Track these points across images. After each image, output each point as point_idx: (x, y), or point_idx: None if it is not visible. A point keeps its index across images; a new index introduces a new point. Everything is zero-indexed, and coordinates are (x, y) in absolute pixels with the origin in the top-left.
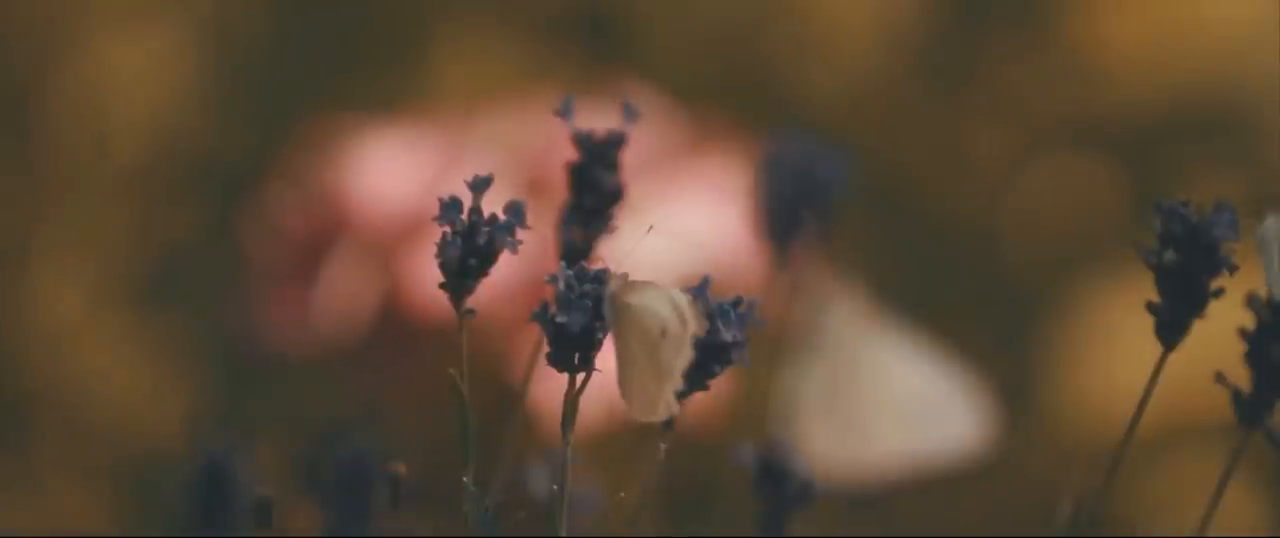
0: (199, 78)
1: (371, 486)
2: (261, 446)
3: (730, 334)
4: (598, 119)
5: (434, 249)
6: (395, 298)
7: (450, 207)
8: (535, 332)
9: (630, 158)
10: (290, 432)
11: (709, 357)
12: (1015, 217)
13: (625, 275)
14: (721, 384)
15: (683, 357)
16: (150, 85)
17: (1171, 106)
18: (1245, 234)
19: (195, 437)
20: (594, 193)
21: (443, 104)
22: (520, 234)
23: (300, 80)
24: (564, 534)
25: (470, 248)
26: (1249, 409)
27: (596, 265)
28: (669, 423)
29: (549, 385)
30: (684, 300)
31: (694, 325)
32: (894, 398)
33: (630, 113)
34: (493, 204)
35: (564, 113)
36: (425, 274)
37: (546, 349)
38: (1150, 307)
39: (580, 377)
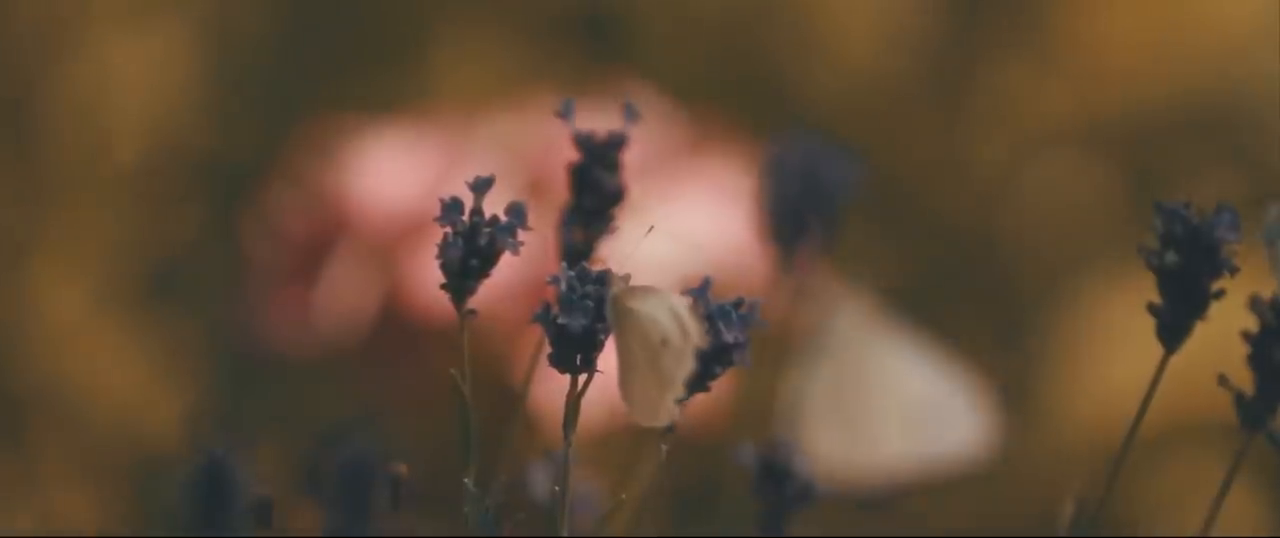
0: (199, 78)
1: (372, 486)
2: (261, 446)
3: (732, 335)
4: (598, 120)
5: (435, 250)
6: (396, 299)
7: (451, 207)
8: (537, 333)
9: (631, 159)
10: (290, 432)
11: (710, 358)
12: (1015, 217)
13: (628, 278)
14: (722, 385)
15: (684, 367)
16: (150, 85)
17: (1171, 107)
18: (1246, 235)
19: (195, 437)
20: (595, 194)
21: (443, 105)
22: (521, 235)
23: (300, 81)
24: (565, 535)
25: (471, 249)
26: (1252, 412)
27: (598, 267)
28: (670, 425)
29: (550, 386)
30: (686, 311)
31: (696, 337)
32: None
33: (631, 114)
34: (494, 205)
35: (564, 114)
36: (426, 275)
37: (548, 350)
38: (1151, 309)
39: (582, 378)
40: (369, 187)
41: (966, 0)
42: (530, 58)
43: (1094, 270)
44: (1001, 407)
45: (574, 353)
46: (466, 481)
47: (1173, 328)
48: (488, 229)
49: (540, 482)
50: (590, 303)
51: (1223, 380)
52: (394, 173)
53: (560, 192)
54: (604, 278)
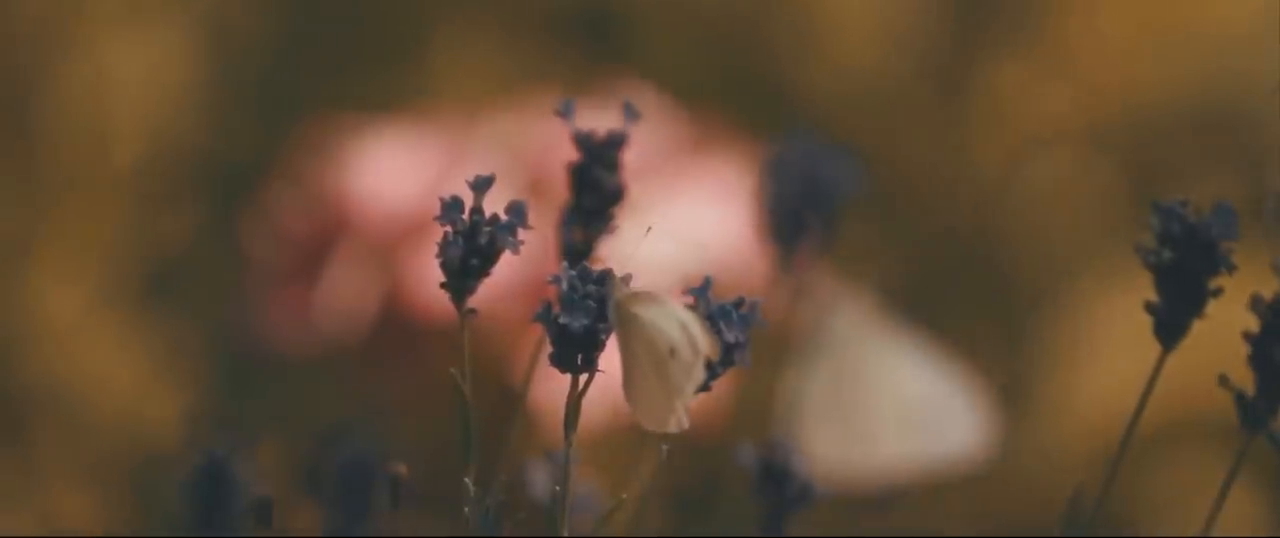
0: (199, 78)
1: (372, 486)
2: (261, 446)
3: (732, 335)
4: (598, 119)
5: (435, 249)
6: (396, 298)
7: (451, 206)
8: (537, 332)
9: (631, 158)
10: (290, 432)
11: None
12: (1015, 217)
13: (629, 278)
14: (723, 385)
15: (694, 379)
16: (150, 85)
17: (1171, 107)
18: (1246, 235)
19: (195, 437)
20: (595, 193)
21: (443, 105)
22: (522, 234)
23: (300, 80)
24: (565, 535)
25: (472, 248)
26: (1252, 412)
27: (598, 266)
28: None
29: (551, 386)
30: (694, 321)
31: (706, 349)
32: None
33: (631, 113)
34: (494, 204)
35: (564, 113)
36: (426, 274)
37: (549, 350)
38: (1149, 307)
39: (583, 378)
40: (369, 186)
41: (966, 0)
42: (530, 58)
43: (1094, 270)
44: (1001, 407)
45: (575, 353)
46: (466, 480)
47: (1170, 326)
48: (488, 228)
49: (540, 482)
50: (591, 302)
51: (1223, 381)
52: (394, 172)
53: (560, 191)
54: (605, 278)
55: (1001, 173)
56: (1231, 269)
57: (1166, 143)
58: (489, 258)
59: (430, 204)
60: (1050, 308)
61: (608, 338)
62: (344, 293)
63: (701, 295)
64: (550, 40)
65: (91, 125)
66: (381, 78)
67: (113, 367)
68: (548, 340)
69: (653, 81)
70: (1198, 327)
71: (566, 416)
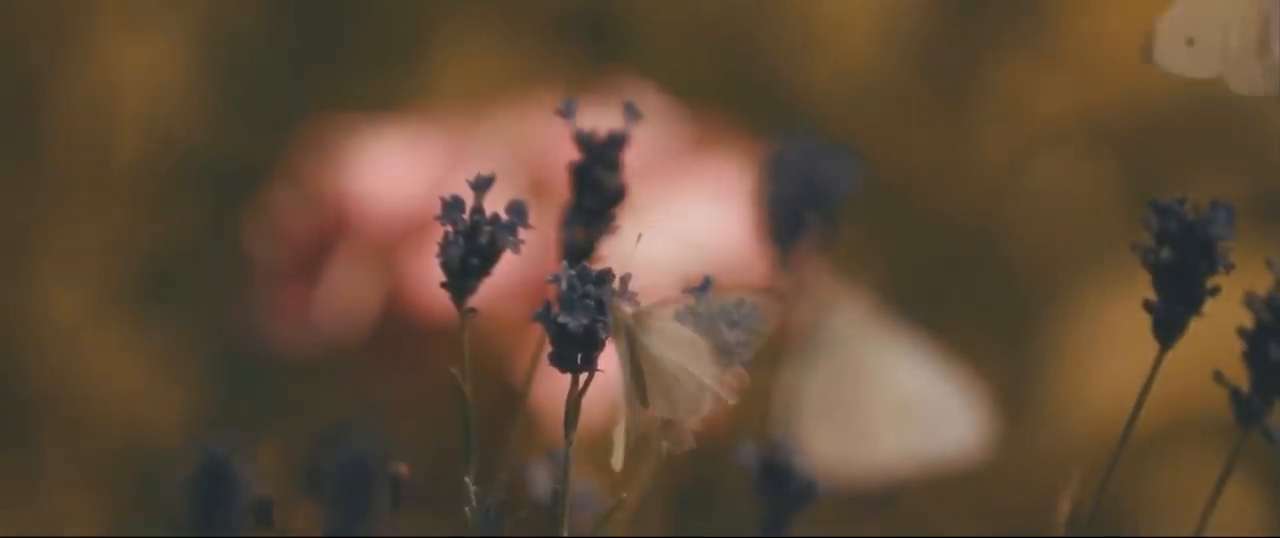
0: (199, 78)
1: (372, 486)
2: (261, 446)
3: (732, 335)
4: (599, 119)
5: (436, 249)
6: (397, 298)
7: (452, 206)
8: (538, 332)
9: (631, 158)
10: (290, 432)
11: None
12: (1015, 217)
13: (629, 278)
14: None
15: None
16: (150, 85)
17: (1171, 106)
18: (1243, 233)
19: (195, 437)
20: (596, 193)
21: (443, 104)
22: (523, 234)
23: (300, 80)
24: (565, 535)
25: (472, 247)
26: (1248, 409)
27: (599, 266)
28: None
29: (551, 385)
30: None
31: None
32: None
33: (632, 113)
34: (494, 204)
35: (566, 113)
36: (427, 274)
37: (549, 349)
38: (1147, 305)
39: (582, 377)
40: (369, 186)
41: (967, 0)
42: (530, 57)
43: (1094, 270)
44: (1001, 406)
45: (574, 352)
46: (467, 480)
47: (1168, 324)
48: (488, 228)
49: (540, 481)
50: (591, 302)
51: (1219, 377)
52: (394, 172)
53: (561, 190)
54: (605, 277)
55: (1003, 172)
56: (1229, 268)
57: (1167, 142)
58: (490, 258)
59: (431, 204)
60: (1050, 308)
61: (607, 337)
62: (344, 293)
63: (701, 295)
64: (551, 40)
65: (92, 125)
66: (381, 78)
67: (113, 367)
68: (548, 340)
69: (653, 81)
70: (1200, 326)
71: (566, 415)
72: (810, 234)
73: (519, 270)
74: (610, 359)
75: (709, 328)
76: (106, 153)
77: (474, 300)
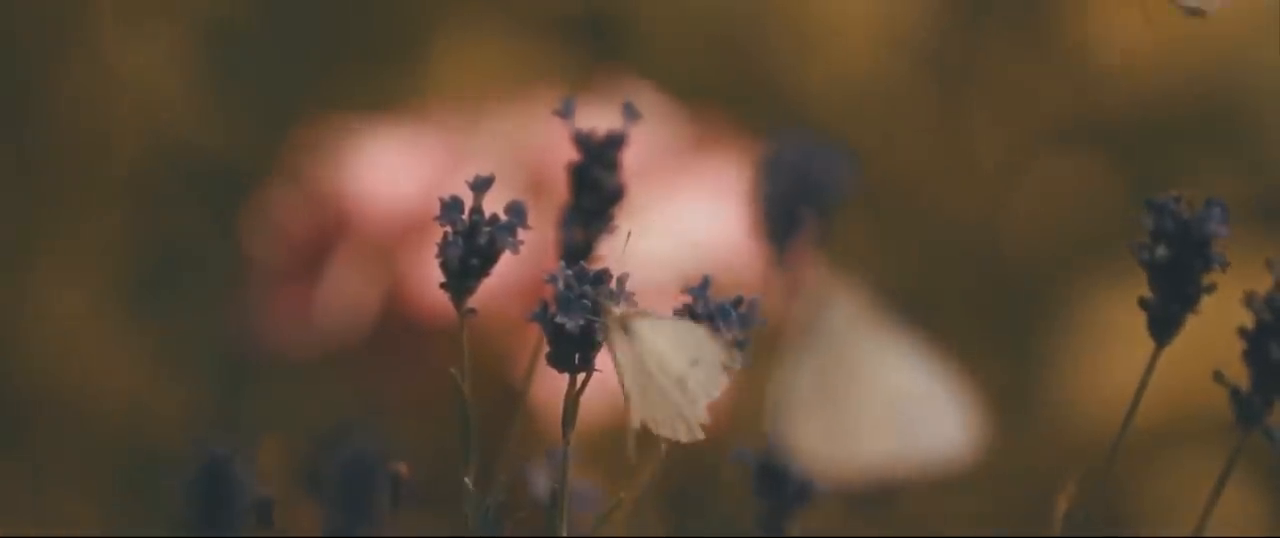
0: (199, 78)
1: (373, 486)
2: (261, 446)
3: (731, 334)
4: (598, 119)
5: (435, 249)
6: (396, 298)
7: (451, 207)
8: (537, 332)
9: (630, 158)
10: (290, 432)
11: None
12: (1015, 217)
13: (625, 278)
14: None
15: (715, 390)
16: (150, 85)
17: (1172, 105)
18: (1243, 233)
19: (195, 437)
20: (594, 193)
21: (443, 104)
22: (522, 234)
23: (300, 80)
24: (565, 534)
25: (471, 248)
26: (1248, 408)
27: (597, 265)
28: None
29: (551, 385)
30: (704, 337)
31: (723, 357)
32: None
33: (631, 113)
34: (493, 204)
35: (564, 113)
36: (427, 274)
37: (547, 349)
38: (1142, 303)
39: (580, 376)
40: (369, 186)
41: (967, 0)
42: (530, 57)
43: (1094, 270)
44: (1000, 406)
45: (572, 352)
46: (466, 479)
47: (1163, 322)
48: (487, 228)
49: (540, 480)
50: (588, 302)
51: (1219, 377)
52: (394, 172)
53: (560, 190)
54: (602, 277)
55: (1001, 172)
56: (1224, 266)
57: (1167, 142)
58: (489, 258)
59: (430, 204)
60: (1050, 307)
61: (605, 337)
62: (344, 293)
63: (700, 294)
64: (550, 40)
65: (91, 125)
66: (381, 78)
67: (113, 367)
68: (546, 340)
69: (653, 81)
70: (1200, 325)
71: (564, 414)
72: (806, 233)
73: (520, 270)
74: (608, 359)
75: (706, 326)
76: (106, 153)
77: (473, 301)
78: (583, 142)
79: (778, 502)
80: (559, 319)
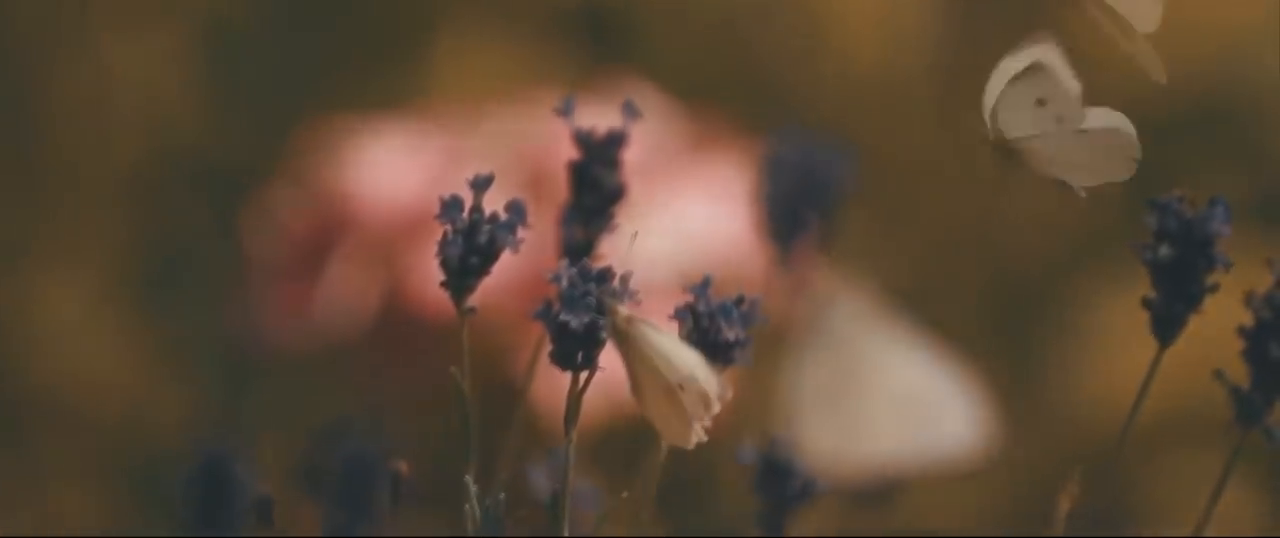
0: (199, 78)
1: (373, 485)
2: (261, 445)
3: (732, 333)
4: (598, 118)
5: (435, 248)
6: (397, 297)
7: (451, 205)
8: (539, 330)
9: (631, 157)
10: (290, 431)
11: (711, 357)
12: (1015, 217)
13: (628, 277)
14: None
15: (709, 410)
16: (150, 85)
17: (1171, 106)
18: (1244, 233)
19: (195, 437)
20: (595, 192)
21: (443, 104)
22: (522, 233)
23: (300, 80)
24: (566, 533)
25: (471, 247)
26: (1248, 407)
27: (599, 264)
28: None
29: (552, 383)
30: (700, 366)
31: (714, 396)
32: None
33: (631, 112)
34: (494, 203)
35: (564, 112)
36: (427, 273)
37: (549, 347)
38: (1145, 303)
39: (583, 375)
40: (369, 185)
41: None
42: (530, 57)
43: (1094, 269)
44: (1000, 405)
45: (575, 350)
46: (467, 478)
47: (1166, 322)
48: (488, 227)
49: (541, 479)
50: (591, 300)
51: (1219, 376)
52: (394, 171)
53: (560, 189)
54: (605, 275)
55: (1002, 171)
56: (1228, 266)
57: (1167, 142)
58: (489, 257)
59: (430, 203)
60: (1050, 307)
61: (608, 336)
62: (344, 292)
63: (701, 294)
64: (550, 40)
65: (91, 125)
66: (382, 77)
67: (113, 367)
68: (548, 338)
69: (653, 81)
70: (1200, 325)
71: (567, 413)
72: (809, 232)
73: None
74: (611, 358)
75: (708, 326)
76: (106, 153)
77: (474, 299)
78: (583, 140)
79: (779, 501)
80: (563, 317)
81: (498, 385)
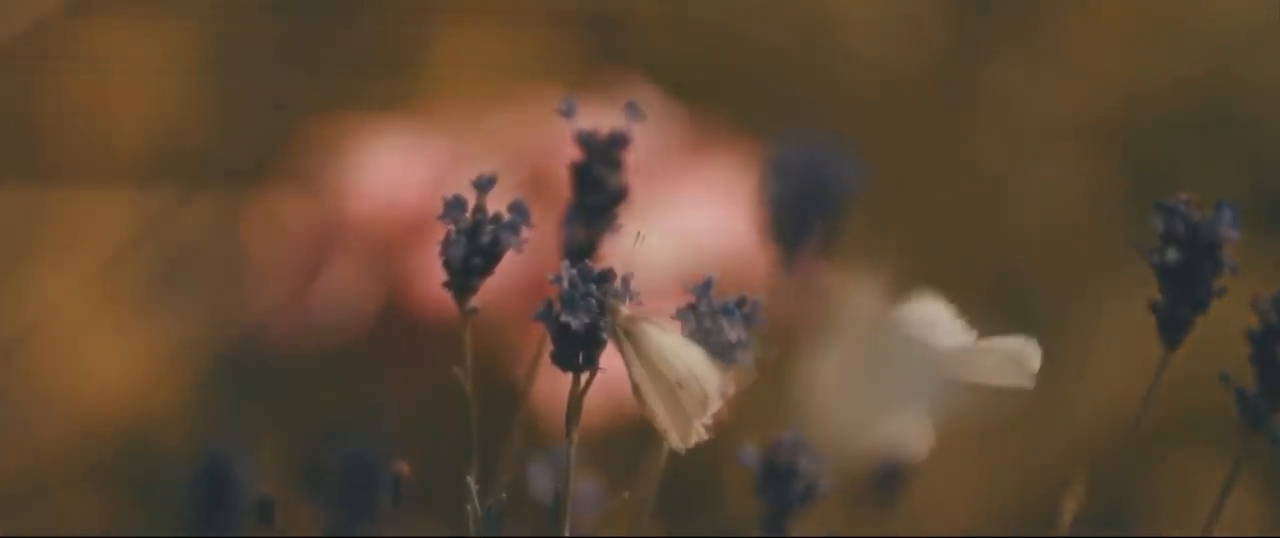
0: (199, 78)
1: (374, 485)
2: (262, 445)
3: (734, 334)
4: (600, 119)
5: (438, 248)
6: (398, 297)
7: (454, 205)
8: (540, 330)
9: (632, 157)
10: (291, 432)
11: (714, 356)
12: (1016, 216)
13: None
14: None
15: (708, 408)
16: (150, 85)
17: (1171, 106)
18: (1243, 234)
19: (195, 437)
20: (597, 192)
21: (443, 104)
22: (525, 233)
23: (300, 80)
24: (567, 534)
25: (474, 247)
26: (1254, 410)
27: (601, 265)
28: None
29: (553, 384)
30: (701, 361)
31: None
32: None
33: (634, 112)
34: (496, 203)
35: (566, 112)
36: (429, 273)
37: (550, 348)
38: (1153, 306)
39: (584, 376)
40: (369, 186)
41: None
42: (530, 57)
43: (1094, 270)
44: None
45: (576, 351)
46: (468, 479)
47: (1174, 325)
48: (491, 227)
49: (542, 480)
50: (592, 301)
51: (1225, 379)
52: (394, 172)
53: (562, 189)
54: (606, 276)
55: (1003, 172)
56: (1235, 270)
57: (1167, 142)
58: (492, 257)
59: (432, 203)
60: (1051, 307)
61: (609, 337)
62: (345, 292)
63: (703, 295)
64: (551, 39)
65: (92, 125)
66: (382, 78)
67: (113, 367)
68: (549, 339)
69: (653, 81)
70: (1200, 325)
71: (568, 414)
72: (813, 234)
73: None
74: (612, 358)
75: (710, 327)
76: (107, 153)
77: (476, 299)
78: (585, 140)
79: (781, 502)
80: (564, 318)
81: (499, 386)
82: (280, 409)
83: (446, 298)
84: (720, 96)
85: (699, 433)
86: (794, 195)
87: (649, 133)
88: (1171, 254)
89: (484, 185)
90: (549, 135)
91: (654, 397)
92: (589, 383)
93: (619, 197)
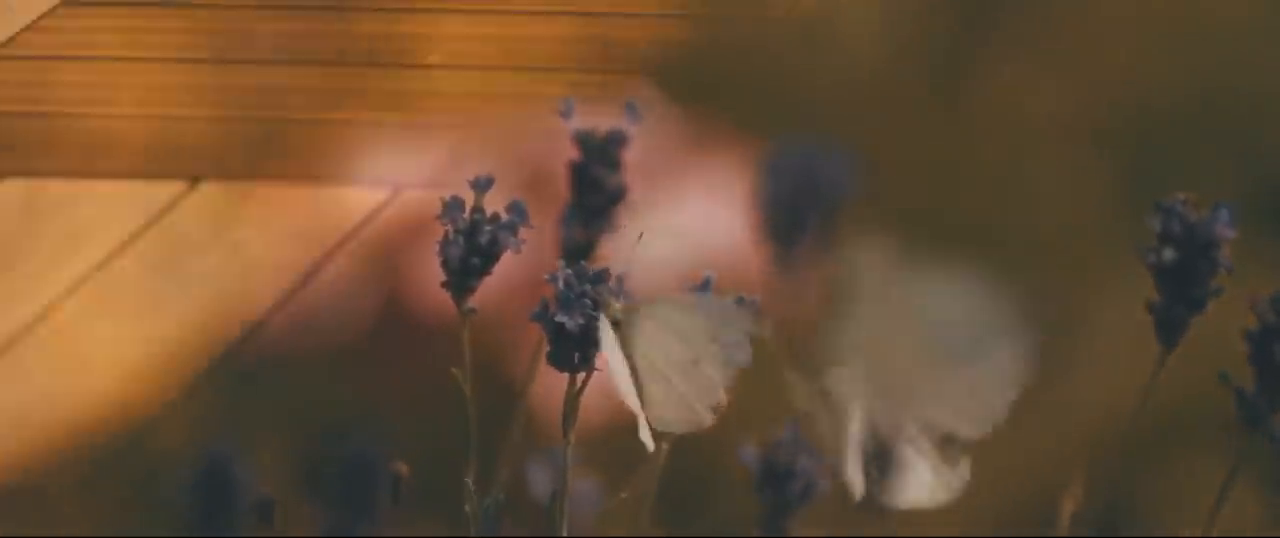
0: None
1: (373, 485)
2: (261, 445)
3: (729, 333)
4: (599, 119)
5: (436, 248)
6: (398, 297)
7: (452, 206)
8: (538, 330)
9: (631, 157)
10: (290, 432)
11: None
12: (1016, 216)
13: (624, 279)
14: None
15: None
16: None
17: (1171, 106)
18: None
19: (195, 437)
20: (596, 192)
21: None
22: (524, 233)
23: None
24: (565, 533)
25: (473, 247)
26: (1252, 409)
27: (598, 264)
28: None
29: (550, 384)
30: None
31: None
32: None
33: (633, 113)
34: (494, 203)
35: (565, 113)
36: (428, 273)
37: (547, 348)
38: (1150, 306)
39: (581, 376)
40: (370, 187)
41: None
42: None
43: (1094, 270)
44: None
45: (572, 351)
46: (467, 479)
47: (1171, 325)
48: (489, 228)
49: (540, 480)
50: (588, 301)
51: (1224, 378)
52: (394, 172)
53: (561, 189)
54: (602, 276)
55: (1002, 172)
56: (1231, 270)
57: (1167, 142)
58: (490, 257)
59: (431, 203)
60: (1050, 307)
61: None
62: (345, 292)
63: (702, 294)
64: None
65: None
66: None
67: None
68: (546, 339)
69: (653, 81)
70: (1200, 325)
71: (564, 414)
72: (809, 235)
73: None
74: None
75: (707, 326)
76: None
77: (474, 299)
78: (584, 141)
79: (780, 502)
80: (559, 318)
81: (497, 386)
82: (280, 409)
83: (445, 298)
84: (720, 97)
85: (705, 417)
86: (791, 197)
87: (646, 133)
88: (1168, 254)
89: (482, 186)
90: (548, 135)
91: (654, 385)
92: (586, 383)
93: (617, 197)
